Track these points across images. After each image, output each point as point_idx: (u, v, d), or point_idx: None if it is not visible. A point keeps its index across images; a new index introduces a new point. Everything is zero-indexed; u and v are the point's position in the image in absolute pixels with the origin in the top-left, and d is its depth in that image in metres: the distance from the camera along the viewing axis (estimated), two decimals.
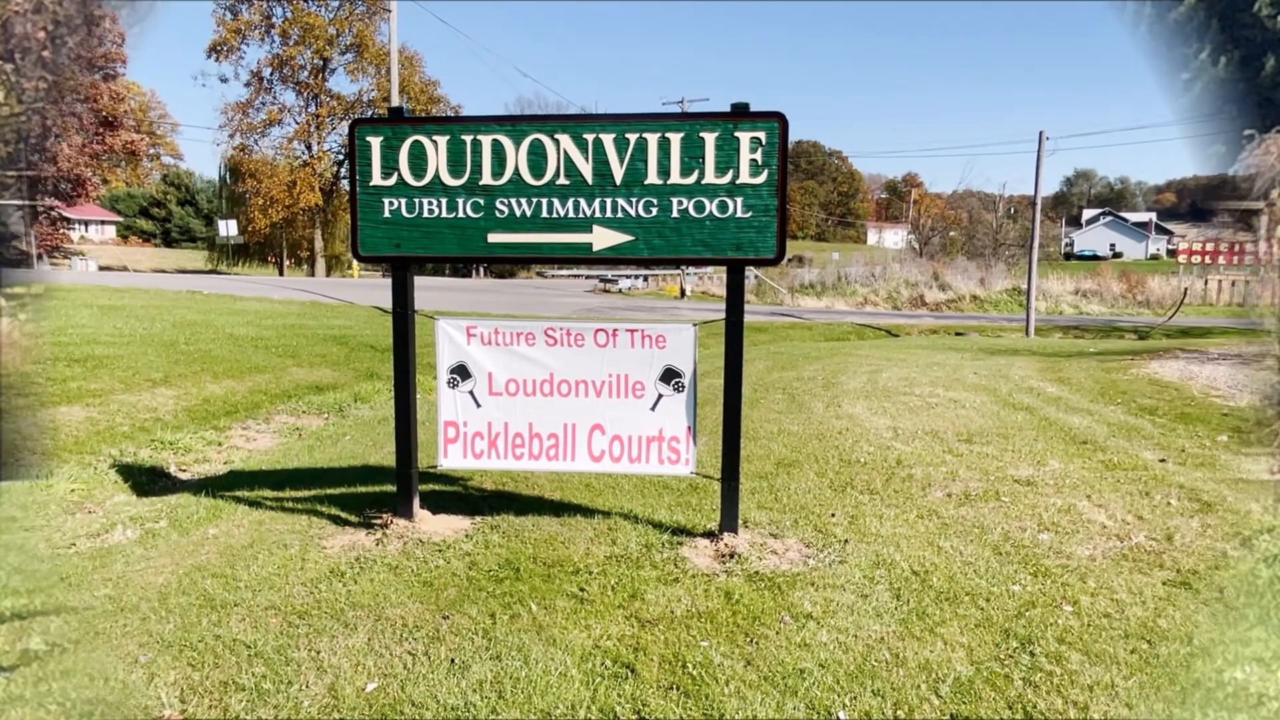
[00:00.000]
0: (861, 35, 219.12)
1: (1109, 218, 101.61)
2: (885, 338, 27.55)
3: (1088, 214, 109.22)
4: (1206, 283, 45.12)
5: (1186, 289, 41.97)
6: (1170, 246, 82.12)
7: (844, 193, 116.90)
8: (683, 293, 44.15)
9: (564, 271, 62.31)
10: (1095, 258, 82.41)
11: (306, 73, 62.11)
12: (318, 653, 3.55)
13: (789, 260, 66.57)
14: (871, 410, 9.75)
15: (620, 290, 47.97)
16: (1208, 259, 44.81)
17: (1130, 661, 3.51)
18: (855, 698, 3.21)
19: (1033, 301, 30.59)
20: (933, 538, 5.11)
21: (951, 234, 74.74)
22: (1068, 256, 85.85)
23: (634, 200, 4.73)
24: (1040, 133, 30.04)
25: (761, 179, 4.66)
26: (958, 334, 28.62)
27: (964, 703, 3.18)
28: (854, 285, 44.59)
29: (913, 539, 5.08)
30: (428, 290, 38.01)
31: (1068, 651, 3.59)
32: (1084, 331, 31.05)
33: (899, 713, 3.12)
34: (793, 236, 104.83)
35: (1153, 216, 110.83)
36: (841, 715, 3.09)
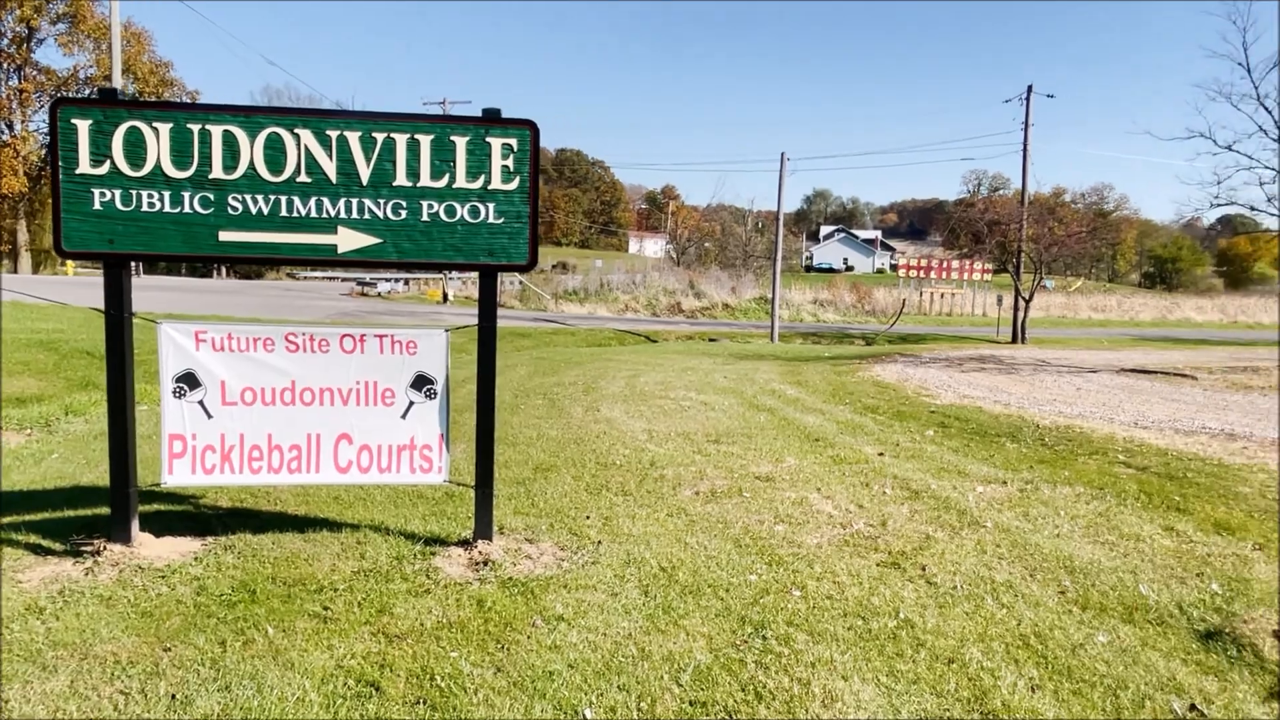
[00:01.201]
0: (619, 39, 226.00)
1: (842, 234, 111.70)
2: (645, 343, 28.51)
3: (825, 230, 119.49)
4: (921, 294, 50.77)
5: (904, 300, 46.98)
6: (893, 261, 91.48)
7: (607, 201, 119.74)
8: (445, 297, 43.25)
9: (318, 274, 59.01)
10: (831, 270, 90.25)
11: (8, 40, 54.56)
12: (4, 703, 3.12)
13: (553, 266, 67.24)
14: (629, 414, 10.05)
15: (380, 294, 46.13)
16: (922, 273, 50.45)
17: (847, 637, 3.87)
18: (602, 695, 3.29)
19: (777, 310, 32.92)
20: (681, 534, 5.36)
21: (706, 245, 78.85)
22: (808, 269, 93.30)
23: (382, 202, 4.58)
24: (782, 154, 32.42)
25: (513, 185, 4.67)
26: (711, 340, 30.21)
27: (702, 689, 3.36)
28: (616, 292, 45.79)
29: (662, 536, 5.29)
30: (159, 291, 34.51)
31: (795, 633, 3.89)
32: (821, 338, 33.87)
33: (643, 705, 3.24)
34: (556, 243, 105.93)
35: (878, 234, 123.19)
36: (588, 714, 3.16)
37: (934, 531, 5.53)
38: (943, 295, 51.13)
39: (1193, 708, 3.30)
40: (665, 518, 5.74)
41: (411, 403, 4.89)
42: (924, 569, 4.81)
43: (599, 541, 5.15)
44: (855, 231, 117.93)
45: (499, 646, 3.67)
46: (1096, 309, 56.73)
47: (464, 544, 4.96)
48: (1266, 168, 19.84)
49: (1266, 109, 19.31)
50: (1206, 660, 3.71)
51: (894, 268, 69.98)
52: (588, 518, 5.66)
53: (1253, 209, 20.98)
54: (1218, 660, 3.71)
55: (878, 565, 4.88)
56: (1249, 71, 19.22)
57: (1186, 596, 4.43)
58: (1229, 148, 19.95)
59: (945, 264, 51.07)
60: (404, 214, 4.60)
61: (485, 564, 4.65)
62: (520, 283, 43.80)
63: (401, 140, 4.55)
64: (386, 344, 4.84)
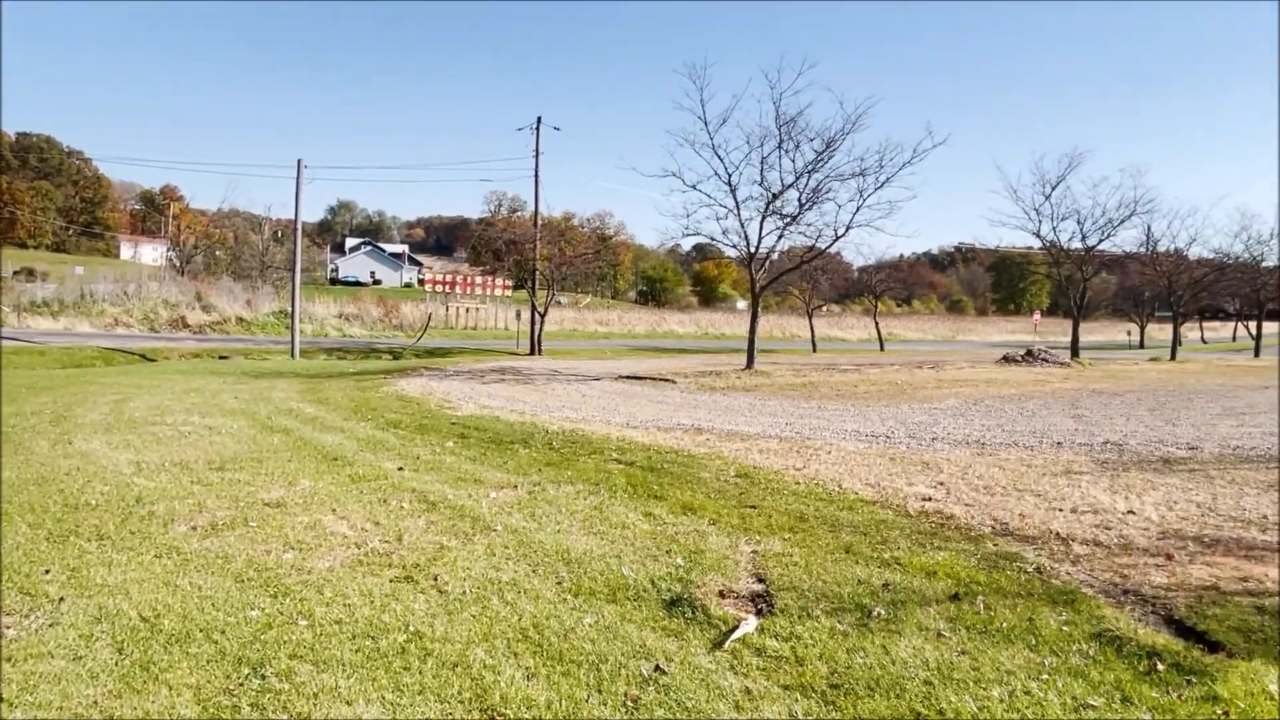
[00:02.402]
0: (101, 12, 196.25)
1: (369, 247, 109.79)
2: (140, 363, 25.08)
3: (350, 242, 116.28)
4: (448, 308, 52.01)
5: (430, 314, 47.74)
6: (420, 276, 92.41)
7: (89, 199, 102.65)
8: None
9: None
10: (358, 283, 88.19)
11: None
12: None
13: (16, 273, 55.80)
14: (112, 445, 8.74)
15: None
16: (449, 288, 51.68)
17: (354, 660, 3.79)
18: None
19: (297, 325, 31.21)
20: (170, 577, 4.79)
21: (218, 253, 71.95)
22: (333, 281, 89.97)
23: None
24: (299, 160, 30.87)
25: None
26: (222, 357, 27.61)
27: None
28: (102, 304, 39.58)
29: (147, 582, 4.68)
30: None
31: (299, 665, 3.71)
32: (346, 353, 32.88)
33: None
34: (21, 245, 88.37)
35: (406, 248, 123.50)
36: None
37: (448, 541, 5.68)
38: (468, 310, 52.97)
39: (657, 668, 3.82)
40: (152, 560, 5.09)
41: None
42: (436, 579, 4.91)
43: (60, 599, 4.38)
44: (383, 245, 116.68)
45: None
46: (602, 322, 63.31)
47: None
48: (721, 205, 24.01)
49: (720, 157, 23.37)
50: (670, 625, 4.34)
51: (421, 282, 70.74)
52: (46, 572, 4.79)
53: (712, 239, 25.23)
54: (678, 623, 4.36)
55: (391, 581, 4.86)
56: (705, 124, 23.08)
57: (658, 572, 5.14)
58: (694, 187, 23.77)
59: (470, 279, 53.00)
60: None
61: None
62: None
63: None
64: None
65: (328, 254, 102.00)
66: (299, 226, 32.76)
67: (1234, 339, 65.42)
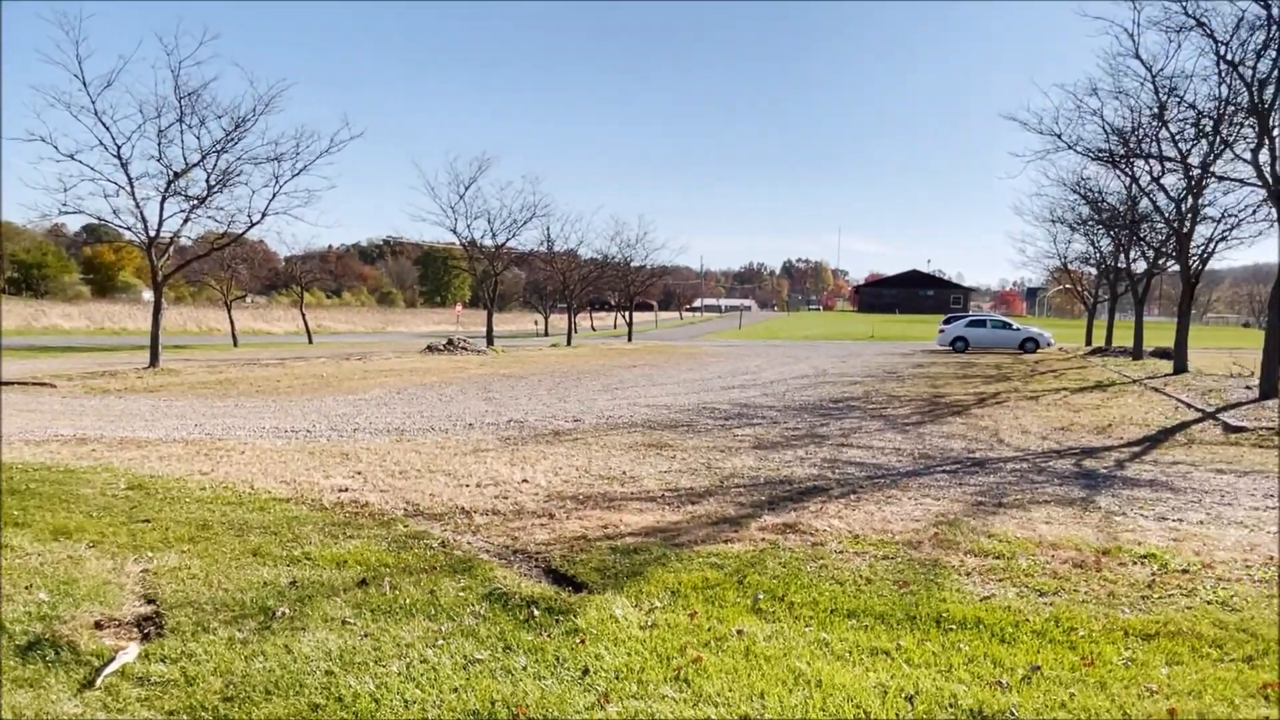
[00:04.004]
0: None
1: None
2: None
3: None
4: None
5: None
6: None
7: None
8: None
9: None
10: None
11: None
12: None
13: None
14: None
15: None
16: None
17: None
18: None
19: None
20: None
21: None
22: None
23: None
24: None
25: None
26: None
27: None
28: None
29: None
30: None
31: None
32: None
33: None
34: None
35: None
36: None
37: None
38: None
39: None
40: None
41: None
42: None
43: None
44: None
45: None
46: None
47: None
48: (110, 181, 20.78)
49: (105, 125, 20.22)
50: (24, 673, 3.64)
51: None
52: None
53: (101, 219, 21.80)
54: (36, 670, 3.68)
55: None
56: (85, 84, 19.79)
57: (11, 614, 4.28)
58: (72, 156, 20.18)
59: None
60: None
61: None
62: None
63: None
64: None
65: None
66: None
67: (614, 326, 77.90)
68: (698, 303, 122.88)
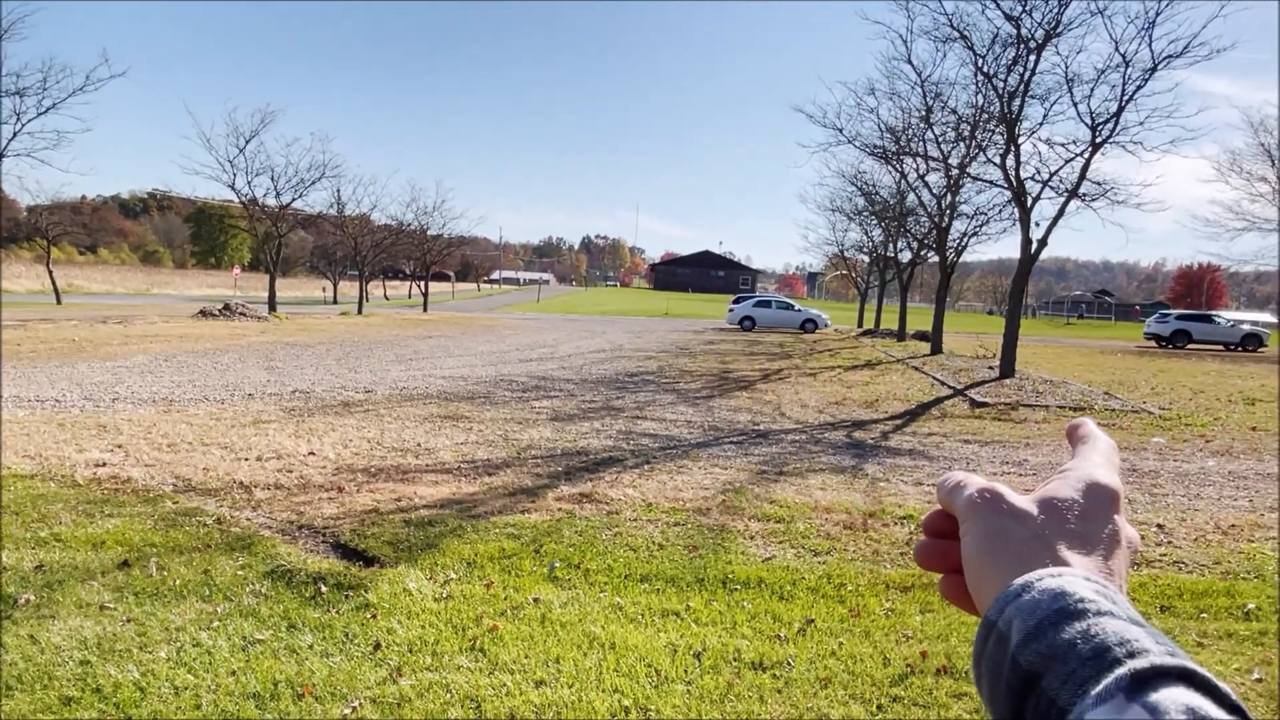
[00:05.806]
0: None
1: None
2: None
3: None
4: None
5: None
6: None
7: None
8: None
9: None
10: None
11: None
12: None
13: None
14: None
15: None
16: None
17: None
18: None
19: None
20: None
21: None
22: None
23: None
24: None
25: None
26: None
27: None
28: None
29: None
30: None
31: None
32: None
33: None
34: None
35: None
36: None
37: None
38: None
39: None
40: None
41: None
42: None
43: None
44: None
45: None
46: None
47: None
48: None
49: None
50: None
51: None
52: None
53: None
54: None
55: None
56: None
57: None
58: None
59: None
60: None
61: None
62: None
63: None
64: None
65: None
66: None
67: (409, 296, 75.48)
68: (496, 275, 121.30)
